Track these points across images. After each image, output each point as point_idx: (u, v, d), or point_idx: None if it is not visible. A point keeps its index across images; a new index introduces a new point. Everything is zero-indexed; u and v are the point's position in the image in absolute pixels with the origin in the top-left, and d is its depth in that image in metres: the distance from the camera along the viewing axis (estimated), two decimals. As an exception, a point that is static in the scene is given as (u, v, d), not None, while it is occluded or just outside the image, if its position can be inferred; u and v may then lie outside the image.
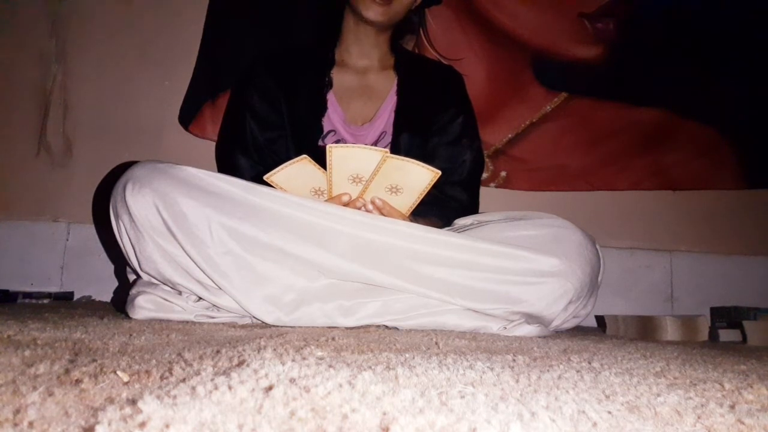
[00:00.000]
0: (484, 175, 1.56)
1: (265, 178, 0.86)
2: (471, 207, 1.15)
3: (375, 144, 1.12)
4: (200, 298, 0.84)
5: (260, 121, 1.14)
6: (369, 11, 1.08)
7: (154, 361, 0.44)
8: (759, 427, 0.32)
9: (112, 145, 1.49)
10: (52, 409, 0.30)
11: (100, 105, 1.51)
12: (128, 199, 0.80)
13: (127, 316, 0.86)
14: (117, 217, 0.83)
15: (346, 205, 0.87)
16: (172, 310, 0.84)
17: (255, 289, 0.82)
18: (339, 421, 0.28)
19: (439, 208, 1.08)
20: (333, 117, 1.14)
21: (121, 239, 0.84)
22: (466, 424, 0.28)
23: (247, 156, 1.12)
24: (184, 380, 0.36)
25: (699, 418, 0.33)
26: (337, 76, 1.18)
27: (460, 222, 1.01)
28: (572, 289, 0.84)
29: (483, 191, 1.23)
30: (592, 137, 1.63)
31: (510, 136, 1.62)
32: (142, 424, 0.26)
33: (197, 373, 0.38)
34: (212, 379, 0.34)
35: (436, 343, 0.65)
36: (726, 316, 1.43)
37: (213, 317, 0.85)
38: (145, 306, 0.84)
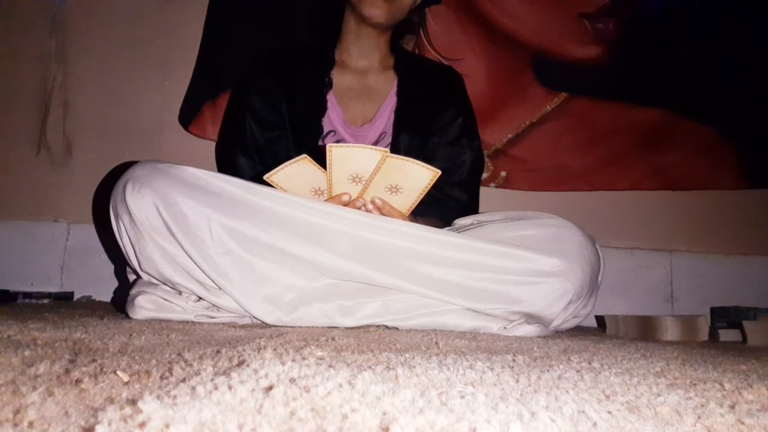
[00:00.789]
0: (484, 175, 1.56)
1: (265, 177, 0.86)
2: (471, 207, 1.15)
3: (375, 144, 1.12)
4: (200, 298, 0.84)
5: (260, 121, 1.14)
6: (371, 11, 1.08)
7: (154, 361, 0.44)
8: (759, 427, 0.32)
9: (112, 145, 1.49)
10: (52, 409, 0.30)
11: (100, 105, 1.51)
12: (128, 199, 0.80)
13: (127, 316, 0.86)
14: (117, 217, 0.83)
15: (345, 204, 0.87)
16: (172, 310, 0.84)
17: (255, 289, 0.82)
18: (339, 421, 0.28)
19: (439, 208, 1.08)
20: (333, 117, 1.14)
21: (121, 239, 0.84)
22: (466, 424, 0.28)
23: (247, 156, 1.12)
24: (184, 380, 0.36)
25: (699, 418, 0.33)
26: (337, 76, 1.17)
27: (460, 222, 1.01)
28: (572, 289, 0.84)
29: (483, 191, 1.23)
30: (592, 137, 1.63)
31: (510, 136, 1.62)
32: (142, 424, 0.26)
33: (197, 373, 0.38)
34: (212, 379, 0.34)
35: (436, 343, 0.65)
36: (726, 316, 1.43)
37: (213, 317, 0.85)
38: (145, 306, 0.84)
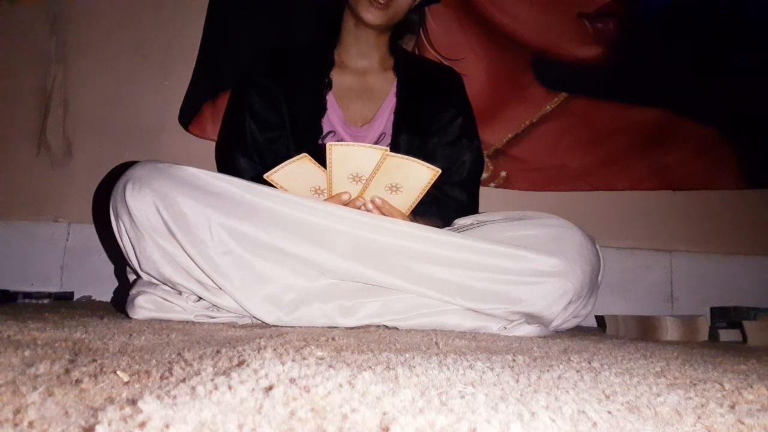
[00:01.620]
0: (484, 175, 1.56)
1: (265, 176, 0.86)
2: (471, 207, 1.15)
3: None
4: (200, 298, 0.84)
5: (260, 122, 1.14)
6: (368, 14, 1.08)
7: (154, 361, 0.44)
8: (759, 427, 0.32)
9: (112, 145, 1.49)
10: (52, 409, 0.30)
11: (100, 105, 1.51)
12: (128, 199, 0.80)
13: (127, 316, 0.86)
14: (117, 217, 0.83)
15: (345, 204, 0.87)
16: (172, 310, 0.84)
17: (255, 289, 0.82)
18: (339, 421, 0.28)
19: (439, 208, 1.08)
20: (332, 118, 1.14)
21: (121, 239, 0.84)
22: (466, 424, 0.28)
23: (247, 156, 1.12)
24: (184, 380, 0.36)
25: (699, 418, 0.33)
26: (337, 77, 1.17)
27: (460, 222, 1.01)
28: (572, 289, 0.84)
29: (483, 191, 1.23)
30: (592, 137, 1.63)
31: (510, 136, 1.62)
32: (142, 424, 0.26)
33: (197, 373, 0.38)
34: (212, 379, 0.34)
35: (436, 343, 0.65)
36: (726, 316, 1.43)
37: (213, 317, 0.85)
38: (145, 306, 0.84)
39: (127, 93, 1.52)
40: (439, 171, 0.83)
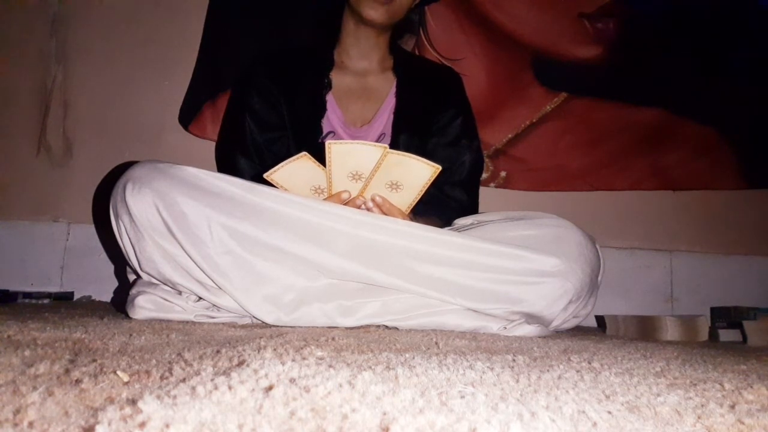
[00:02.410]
0: (484, 175, 1.56)
1: (264, 176, 0.85)
2: (471, 207, 1.15)
3: (374, 145, 1.12)
4: (200, 298, 0.84)
5: (259, 122, 1.14)
6: (371, 10, 1.08)
7: (154, 361, 0.44)
8: (759, 427, 0.32)
9: (112, 145, 1.49)
10: (52, 409, 0.30)
11: (100, 105, 1.51)
12: (128, 199, 0.80)
13: (127, 316, 0.86)
14: (117, 217, 0.83)
15: (345, 203, 0.87)
16: (172, 310, 0.84)
17: (255, 288, 0.82)
18: (339, 421, 0.28)
19: (439, 208, 1.08)
20: (332, 118, 1.14)
21: (121, 239, 0.84)
22: (466, 424, 0.28)
23: (247, 157, 1.12)
24: (184, 380, 0.35)
25: (699, 418, 0.33)
26: (337, 77, 1.17)
27: (460, 222, 1.01)
28: (572, 289, 0.84)
29: (483, 191, 1.23)
30: (592, 137, 1.63)
31: (510, 136, 1.62)
32: (142, 424, 0.26)
33: (197, 373, 0.38)
34: (212, 379, 0.34)
35: (436, 343, 0.65)
36: (726, 316, 1.43)
37: (213, 317, 0.85)
38: (145, 306, 0.84)
39: (127, 93, 1.52)
40: (440, 168, 0.83)
